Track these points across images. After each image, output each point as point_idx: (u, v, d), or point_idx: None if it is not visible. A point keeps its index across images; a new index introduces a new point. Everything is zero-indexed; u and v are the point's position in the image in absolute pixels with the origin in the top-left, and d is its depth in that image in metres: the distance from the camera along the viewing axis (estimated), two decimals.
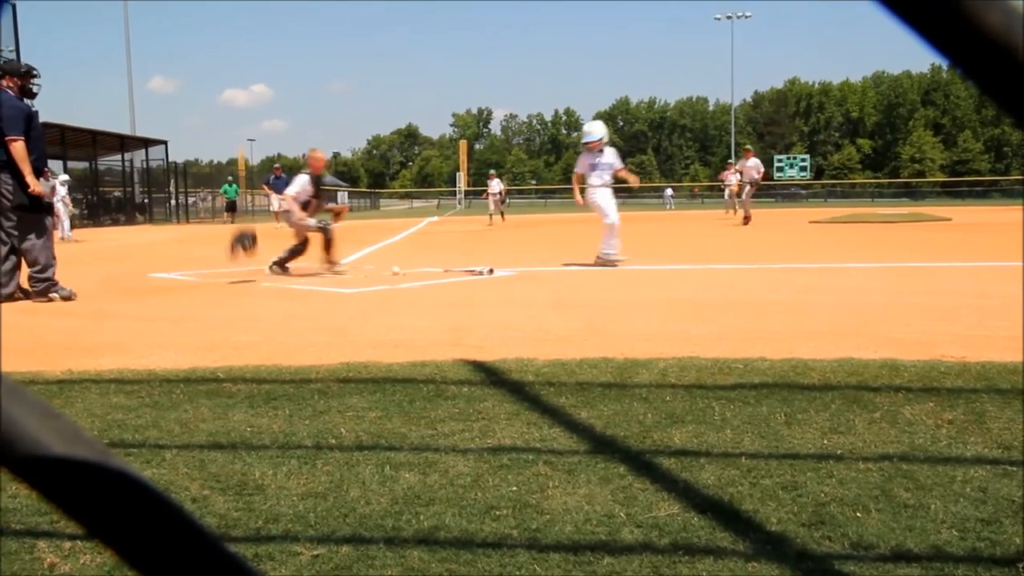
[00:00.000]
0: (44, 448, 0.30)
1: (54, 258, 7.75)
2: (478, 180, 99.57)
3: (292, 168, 29.09)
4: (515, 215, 36.64)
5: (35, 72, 7.87)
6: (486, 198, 31.11)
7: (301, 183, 9.90)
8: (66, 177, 25.57)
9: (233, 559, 0.32)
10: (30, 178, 7.55)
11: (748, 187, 22.24)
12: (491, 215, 29.34)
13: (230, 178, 38.37)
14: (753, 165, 22.21)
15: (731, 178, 25.94)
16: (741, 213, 22.48)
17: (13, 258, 7.72)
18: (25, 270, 7.76)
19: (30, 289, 7.66)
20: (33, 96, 7.86)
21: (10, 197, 7.58)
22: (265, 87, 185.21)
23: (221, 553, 0.32)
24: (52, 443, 0.30)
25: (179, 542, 0.31)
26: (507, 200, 32.90)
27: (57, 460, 0.30)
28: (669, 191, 54.55)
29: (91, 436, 0.31)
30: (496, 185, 30.28)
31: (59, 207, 23.99)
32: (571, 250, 14.20)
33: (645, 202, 62.74)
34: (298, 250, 9.85)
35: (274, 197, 26.94)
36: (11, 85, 7.66)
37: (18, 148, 7.47)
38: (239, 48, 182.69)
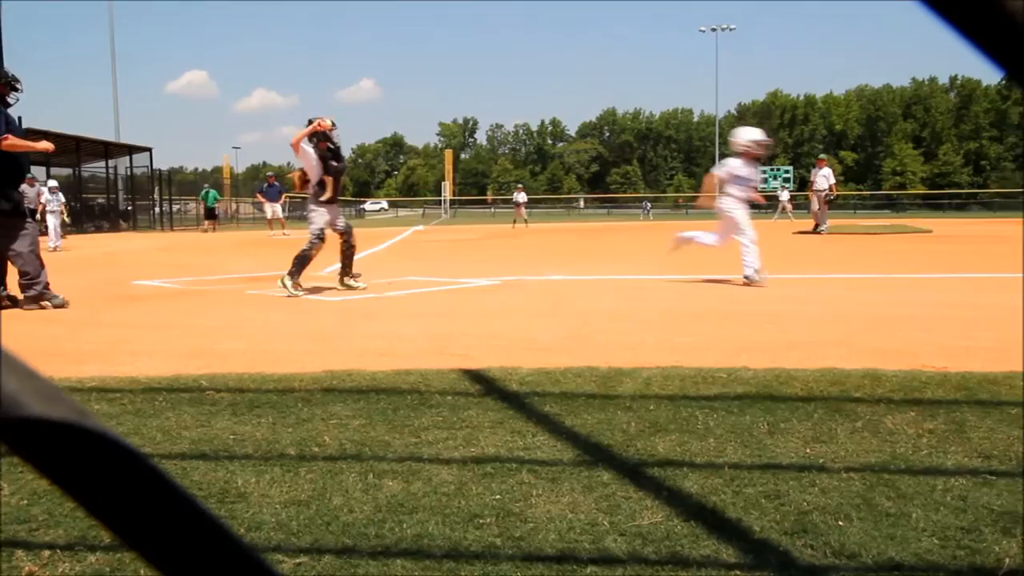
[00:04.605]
0: (23, 408, 0.30)
1: (42, 265, 7.67)
2: (463, 190, 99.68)
3: (280, 176, 29.11)
4: (501, 225, 36.73)
5: (18, 85, 7.78)
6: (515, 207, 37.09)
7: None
8: (55, 183, 25.30)
9: (209, 518, 0.32)
10: (39, 145, 7.82)
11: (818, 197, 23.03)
12: (515, 221, 34.72)
13: (206, 185, 37.79)
14: (825, 175, 22.85)
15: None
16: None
17: None
18: (12, 277, 7.68)
19: (20, 296, 7.59)
20: (8, 106, 7.74)
21: None
22: (271, 94, 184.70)
23: (196, 511, 0.32)
24: (31, 403, 0.30)
25: (156, 502, 0.31)
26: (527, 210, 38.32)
27: (35, 420, 0.30)
28: (647, 204, 59.36)
29: (71, 398, 0.31)
30: (521, 196, 36.35)
31: (48, 217, 23.94)
32: (559, 260, 14.23)
33: (628, 212, 64.69)
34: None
35: (267, 205, 26.94)
36: None
37: (10, 143, 7.40)
38: (227, 55, 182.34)
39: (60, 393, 0.31)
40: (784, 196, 40.25)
